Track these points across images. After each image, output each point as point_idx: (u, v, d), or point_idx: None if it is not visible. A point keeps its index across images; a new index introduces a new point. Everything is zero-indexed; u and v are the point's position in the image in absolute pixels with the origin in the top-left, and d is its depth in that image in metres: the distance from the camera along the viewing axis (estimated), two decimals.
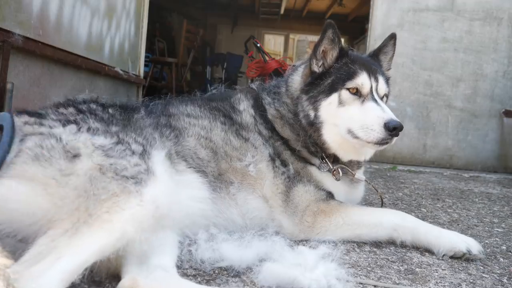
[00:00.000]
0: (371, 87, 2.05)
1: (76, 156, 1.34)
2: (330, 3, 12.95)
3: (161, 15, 11.59)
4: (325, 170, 2.10)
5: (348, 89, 2.03)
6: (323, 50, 2.11)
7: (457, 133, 6.08)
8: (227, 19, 14.69)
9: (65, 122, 1.47)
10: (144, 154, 1.47)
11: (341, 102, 2.02)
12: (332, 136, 2.06)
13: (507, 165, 5.97)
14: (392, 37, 2.35)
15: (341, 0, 12.18)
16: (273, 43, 17.16)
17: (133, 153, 1.44)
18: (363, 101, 2.02)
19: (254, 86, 2.40)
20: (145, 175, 1.38)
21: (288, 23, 15.06)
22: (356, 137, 1.98)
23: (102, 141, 1.42)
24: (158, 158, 1.54)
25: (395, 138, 1.94)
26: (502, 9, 5.99)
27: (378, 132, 1.91)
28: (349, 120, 2.00)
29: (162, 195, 1.40)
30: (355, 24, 12.87)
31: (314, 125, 2.07)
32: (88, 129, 1.46)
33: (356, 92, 2.03)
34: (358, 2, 12.03)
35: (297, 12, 14.28)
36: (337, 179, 2.10)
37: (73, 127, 1.45)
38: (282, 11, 13.67)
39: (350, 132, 2.00)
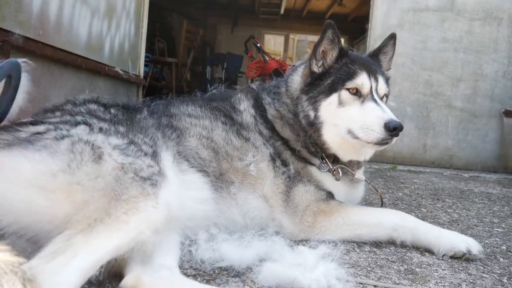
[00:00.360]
0: (371, 87, 2.05)
1: (100, 156, 1.35)
2: (330, 3, 12.95)
3: (161, 15, 11.59)
4: (325, 170, 2.09)
5: (348, 89, 2.02)
6: (323, 51, 2.10)
7: (457, 133, 6.08)
8: (227, 19, 14.69)
9: (76, 123, 1.47)
10: (155, 156, 1.48)
11: (341, 103, 2.02)
12: (332, 136, 2.06)
13: (507, 165, 5.97)
14: (392, 37, 2.35)
15: (341, 0, 12.18)
16: (273, 43, 17.15)
17: (145, 154, 1.45)
18: (363, 101, 2.02)
19: (254, 86, 2.40)
20: (158, 177, 1.40)
21: (288, 23, 15.06)
22: (356, 138, 1.98)
23: (117, 141, 1.44)
24: (167, 159, 1.56)
25: (395, 138, 1.94)
26: (502, 9, 5.99)
27: (378, 133, 1.91)
28: (349, 120, 2.00)
29: (173, 198, 1.42)
30: (355, 24, 12.88)
31: (314, 125, 2.07)
32: (100, 130, 1.46)
33: (356, 92, 2.03)
34: (358, 2, 12.03)
35: (297, 12, 14.28)
36: (337, 179, 2.10)
37: (85, 127, 1.45)
38: (282, 11, 13.67)
39: (350, 132, 2.00)
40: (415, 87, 6.13)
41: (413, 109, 6.11)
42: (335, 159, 2.14)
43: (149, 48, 9.17)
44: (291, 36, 17.00)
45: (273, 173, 2.01)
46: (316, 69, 2.11)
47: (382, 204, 2.55)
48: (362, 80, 2.04)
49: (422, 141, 6.11)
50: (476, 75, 6.05)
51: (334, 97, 2.03)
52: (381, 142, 1.93)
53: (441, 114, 6.11)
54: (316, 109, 2.06)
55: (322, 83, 2.07)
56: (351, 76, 2.04)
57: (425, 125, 6.11)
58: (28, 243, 1.25)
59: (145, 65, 7.33)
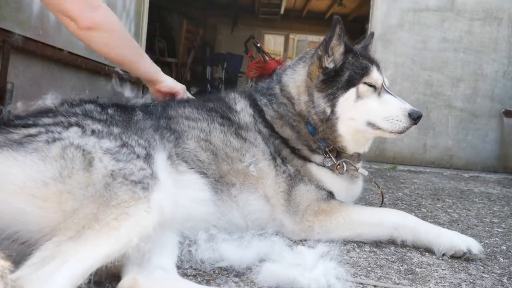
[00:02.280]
0: (383, 79, 2.13)
1: (91, 163, 1.31)
2: (330, 3, 12.95)
3: (161, 15, 11.59)
4: (329, 164, 2.11)
5: (365, 83, 2.08)
6: (331, 46, 2.12)
7: (457, 133, 6.08)
8: (227, 19, 14.68)
9: (69, 125, 1.43)
10: (148, 158, 1.45)
11: (359, 96, 2.07)
12: (347, 129, 2.09)
13: (507, 165, 5.97)
14: (372, 35, 2.49)
15: (341, 0, 12.18)
16: (273, 43, 17.15)
17: (138, 156, 1.42)
18: (379, 93, 2.10)
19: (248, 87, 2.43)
20: (150, 180, 1.37)
21: (288, 23, 15.06)
22: (378, 128, 2.06)
23: (108, 144, 1.40)
24: (161, 161, 1.53)
25: (414, 126, 2.07)
26: (502, 9, 5.99)
27: (404, 122, 2.03)
28: (368, 113, 2.06)
29: (167, 201, 1.39)
30: (355, 24, 12.85)
31: (329, 121, 2.08)
32: (93, 132, 1.43)
33: (371, 85, 2.09)
34: (358, 2, 12.03)
35: (297, 12, 14.28)
36: (341, 173, 2.11)
37: (77, 130, 1.42)
38: (282, 11, 13.66)
39: (370, 124, 2.06)
40: (415, 87, 6.13)
41: None
42: (337, 154, 2.15)
43: (149, 48, 9.16)
44: (291, 36, 17.00)
45: (275, 172, 2.01)
46: (328, 64, 2.11)
47: (383, 201, 2.55)
48: (376, 73, 2.11)
49: (422, 141, 6.11)
50: (476, 75, 6.05)
51: (352, 92, 2.06)
52: (404, 131, 2.06)
53: (441, 114, 6.10)
54: (333, 105, 2.07)
55: (339, 79, 2.08)
56: (366, 70, 2.10)
57: (425, 125, 6.11)
58: (23, 247, 1.23)
59: None
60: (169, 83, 2.41)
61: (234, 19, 14.69)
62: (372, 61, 2.16)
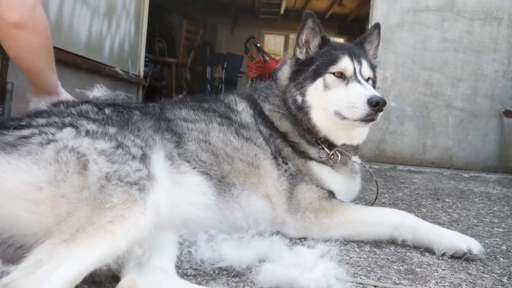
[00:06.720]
0: (354, 70, 2.13)
1: (85, 166, 1.29)
2: (330, 3, 12.96)
3: (161, 15, 11.58)
4: (323, 156, 2.12)
5: (332, 73, 2.11)
6: (305, 39, 2.21)
7: (457, 133, 6.08)
8: (227, 19, 14.68)
9: (63, 126, 1.41)
10: (144, 158, 1.43)
11: (326, 86, 2.10)
12: (322, 119, 2.12)
13: (507, 165, 5.96)
14: (376, 26, 2.46)
15: (341, 0, 12.18)
16: (273, 43, 17.14)
17: (134, 157, 1.40)
18: (347, 83, 2.10)
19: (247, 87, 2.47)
20: (147, 181, 1.35)
21: (288, 23, 15.04)
22: (344, 118, 2.05)
23: (103, 146, 1.38)
24: (158, 162, 1.51)
25: (380, 114, 2.00)
26: (502, 9, 5.99)
27: (363, 109, 1.98)
28: (335, 102, 2.07)
29: (163, 202, 1.38)
30: (355, 24, 12.87)
31: (302, 110, 2.15)
32: (87, 133, 1.40)
33: (341, 76, 2.11)
34: (358, 2, 12.04)
35: (297, 12, 14.25)
36: (334, 162, 2.14)
37: (71, 130, 1.40)
38: (282, 11, 13.67)
39: (337, 113, 2.07)
40: (415, 87, 6.13)
41: (413, 109, 6.11)
42: (330, 145, 2.18)
43: (149, 48, 9.16)
44: (291, 36, 16.97)
45: (276, 171, 2.03)
46: (300, 56, 2.22)
47: (378, 190, 2.56)
48: (345, 63, 2.12)
49: (422, 141, 6.10)
50: (476, 75, 6.05)
51: (319, 82, 2.12)
52: (366, 119, 2.00)
53: (441, 114, 6.10)
54: (303, 94, 2.15)
55: (307, 69, 2.17)
56: (334, 60, 2.13)
57: (425, 125, 6.11)
58: (19, 251, 1.22)
59: (145, 65, 7.32)
60: (65, 95, 2.36)
61: (234, 19, 14.69)
62: (347, 52, 2.17)
